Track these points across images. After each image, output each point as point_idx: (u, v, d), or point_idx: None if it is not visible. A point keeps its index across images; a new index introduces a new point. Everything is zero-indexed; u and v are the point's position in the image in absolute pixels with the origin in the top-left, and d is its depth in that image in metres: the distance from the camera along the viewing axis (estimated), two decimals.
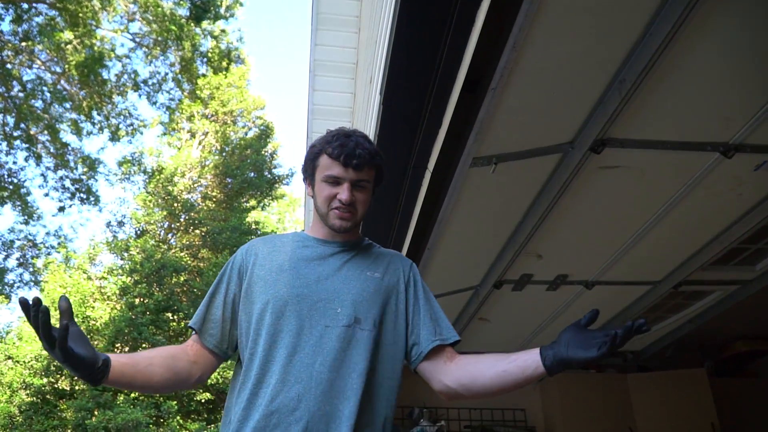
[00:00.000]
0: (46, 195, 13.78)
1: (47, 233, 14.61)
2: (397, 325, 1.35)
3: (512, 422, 4.38)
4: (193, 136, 15.82)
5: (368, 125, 2.95)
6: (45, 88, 12.40)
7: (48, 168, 13.35)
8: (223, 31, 13.56)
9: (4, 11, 10.86)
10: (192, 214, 14.12)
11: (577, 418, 4.31)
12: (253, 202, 15.97)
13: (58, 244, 14.34)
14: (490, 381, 1.24)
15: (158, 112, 17.25)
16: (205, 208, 14.70)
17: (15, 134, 12.56)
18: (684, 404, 4.24)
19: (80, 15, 11.43)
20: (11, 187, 13.06)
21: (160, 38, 12.62)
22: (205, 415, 12.32)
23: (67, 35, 11.64)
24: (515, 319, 3.87)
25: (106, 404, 10.18)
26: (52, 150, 13.17)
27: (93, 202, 13.87)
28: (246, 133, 16.28)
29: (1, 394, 10.38)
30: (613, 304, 3.62)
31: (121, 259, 13.00)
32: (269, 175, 16.22)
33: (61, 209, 13.66)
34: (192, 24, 12.48)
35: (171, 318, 12.40)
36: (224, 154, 15.65)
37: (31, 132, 12.65)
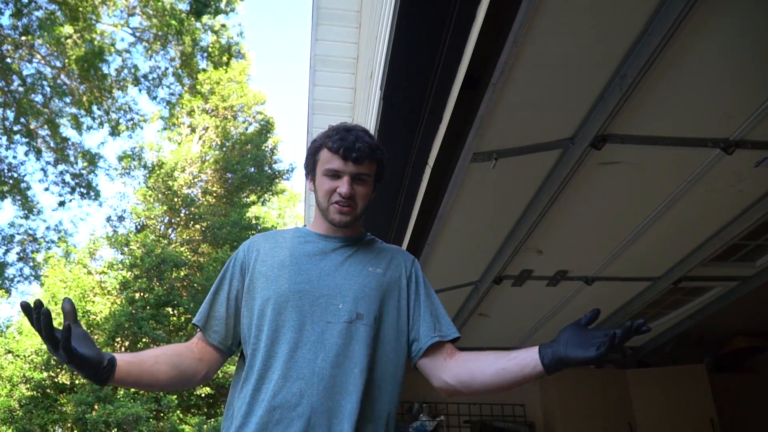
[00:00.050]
0: (46, 189, 13.76)
1: (47, 228, 14.64)
2: (400, 320, 1.35)
3: (512, 417, 4.39)
4: (193, 131, 15.82)
5: (368, 121, 2.94)
6: (45, 83, 12.41)
7: (48, 162, 13.37)
8: (223, 25, 13.54)
9: (4, 5, 10.85)
10: (192, 209, 14.15)
11: (577, 413, 4.32)
12: (253, 197, 15.98)
13: (59, 238, 14.38)
14: (489, 378, 1.24)
15: (158, 106, 17.29)
16: (205, 203, 14.72)
17: (15, 129, 12.57)
18: (683, 400, 4.25)
19: (80, 9, 11.42)
20: (11, 181, 13.06)
21: (160, 33, 12.61)
22: (205, 410, 12.37)
23: (67, 29, 11.62)
24: (515, 314, 3.87)
25: (107, 398, 10.23)
26: (52, 144, 13.17)
27: (93, 197, 13.86)
28: (246, 128, 16.28)
29: (1, 388, 10.41)
30: (613, 300, 3.62)
31: (122, 253, 13.03)
32: (269, 171, 16.22)
33: (62, 204, 13.67)
34: (192, 18, 12.46)
35: (171, 313, 12.44)
36: (224, 149, 15.65)
37: (31, 126, 12.64)
